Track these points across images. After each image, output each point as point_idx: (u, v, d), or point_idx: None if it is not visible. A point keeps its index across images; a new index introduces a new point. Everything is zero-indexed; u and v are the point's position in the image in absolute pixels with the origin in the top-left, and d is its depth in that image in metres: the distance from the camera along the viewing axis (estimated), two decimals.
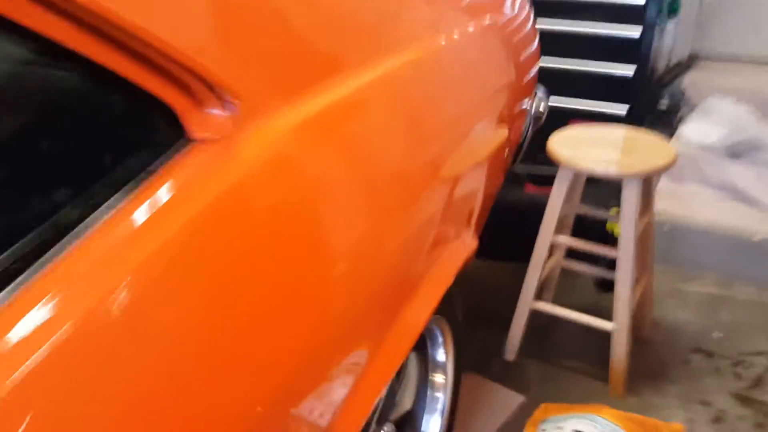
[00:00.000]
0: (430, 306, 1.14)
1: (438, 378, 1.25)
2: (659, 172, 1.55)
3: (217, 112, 0.65)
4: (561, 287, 2.14)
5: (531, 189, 2.30)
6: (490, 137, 1.49)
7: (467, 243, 1.33)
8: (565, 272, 2.01)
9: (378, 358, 1.00)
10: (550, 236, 1.70)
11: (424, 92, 1.13)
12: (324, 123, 0.81)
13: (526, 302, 1.78)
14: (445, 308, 1.28)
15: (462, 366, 1.36)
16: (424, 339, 1.27)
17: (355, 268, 0.87)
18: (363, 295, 0.90)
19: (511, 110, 1.65)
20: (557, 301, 2.04)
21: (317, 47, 0.83)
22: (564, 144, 1.67)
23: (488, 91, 1.49)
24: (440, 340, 1.25)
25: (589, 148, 1.65)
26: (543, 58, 2.54)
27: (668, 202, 2.34)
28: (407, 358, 1.22)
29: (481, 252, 2.35)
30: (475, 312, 2.05)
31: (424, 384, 1.25)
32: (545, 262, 1.76)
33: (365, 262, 0.89)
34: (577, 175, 1.65)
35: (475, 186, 1.39)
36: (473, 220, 1.44)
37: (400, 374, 1.20)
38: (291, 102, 0.75)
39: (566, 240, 1.73)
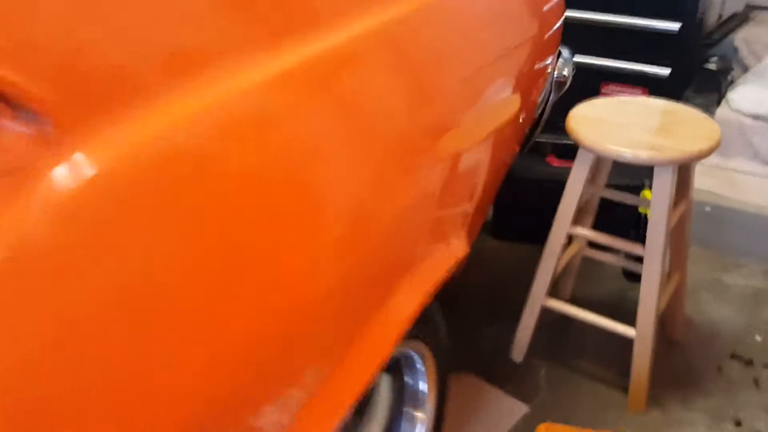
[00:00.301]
0: (402, 321, 0.93)
1: (418, 414, 1.05)
2: (698, 159, 1.30)
3: (11, 130, 0.44)
4: (584, 274, 1.92)
5: (554, 162, 2.06)
6: (500, 103, 1.25)
7: (456, 247, 1.11)
8: (589, 258, 1.78)
9: (334, 382, 0.81)
10: (567, 226, 1.47)
11: (405, 61, 0.91)
12: (238, 116, 0.59)
13: (537, 298, 1.56)
14: (427, 330, 1.08)
15: (445, 400, 1.15)
16: (400, 367, 1.06)
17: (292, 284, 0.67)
18: (305, 313, 0.71)
19: (528, 71, 1.40)
20: (579, 290, 1.83)
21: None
22: (586, 120, 1.42)
23: (501, 47, 1.25)
24: (419, 368, 1.05)
25: (615, 125, 1.40)
26: (573, 10, 2.26)
27: (711, 178, 2.07)
28: (373, 386, 1.03)
29: (498, 232, 2.14)
30: (485, 300, 1.84)
31: (397, 420, 1.05)
32: (562, 253, 1.53)
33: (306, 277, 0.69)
34: (600, 157, 1.40)
35: (474, 162, 1.17)
36: (470, 208, 1.21)
37: (364, 407, 1.01)
38: (182, 91, 0.54)
39: (585, 232, 1.49)
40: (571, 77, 1.67)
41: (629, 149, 1.30)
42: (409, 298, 0.96)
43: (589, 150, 1.36)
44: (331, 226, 0.72)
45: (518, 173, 2.03)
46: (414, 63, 0.95)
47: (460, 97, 1.06)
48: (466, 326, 1.75)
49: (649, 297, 1.39)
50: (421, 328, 1.08)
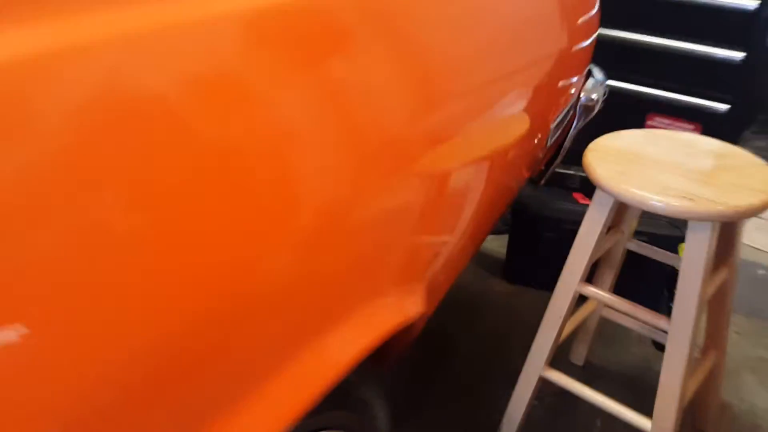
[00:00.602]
0: (305, 392, 0.67)
1: None
2: (746, 216, 1.00)
3: None
4: (604, 336, 1.62)
5: (582, 200, 1.77)
6: (507, 117, 1.00)
7: (408, 302, 0.84)
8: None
9: None
10: (575, 284, 1.19)
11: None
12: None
13: (535, 368, 1.27)
14: (356, 419, 0.82)
15: None
16: None
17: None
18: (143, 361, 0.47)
19: (547, 87, 1.14)
20: (595, 356, 1.54)
21: None
22: (609, 154, 1.14)
23: (518, 51, 1.00)
24: None
25: (645, 164, 1.11)
26: (619, 30, 1.97)
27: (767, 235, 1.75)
28: None
29: (510, 274, 1.86)
30: (484, 355, 1.57)
31: None
32: (569, 314, 1.25)
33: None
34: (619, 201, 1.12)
35: (461, 186, 0.91)
36: (442, 249, 0.95)
37: None
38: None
39: (598, 293, 1.20)
40: (601, 102, 1.39)
41: (657, 196, 1.01)
42: (324, 359, 0.69)
43: (608, 192, 1.07)
44: (238, 220, 0.51)
45: (537, 209, 1.75)
46: (405, 42, 0.72)
47: (457, 96, 0.82)
48: (456, 386, 1.48)
49: (670, 386, 1.10)
50: (346, 415, 0.82)
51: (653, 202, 1.02)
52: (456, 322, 1.69)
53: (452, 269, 1.01)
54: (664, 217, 1.49)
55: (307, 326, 0.65)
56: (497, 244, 1.99)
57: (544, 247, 1.78)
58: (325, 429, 0.81)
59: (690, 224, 1.03)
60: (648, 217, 1.62)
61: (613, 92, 1.88)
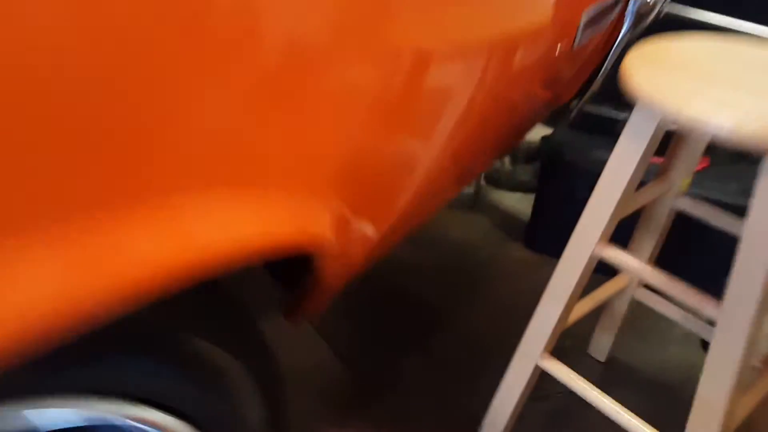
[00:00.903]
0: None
1: None
2: None
3: None
4: (638, 325, 1.27)
5: None
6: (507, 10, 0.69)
7: (318, 218, 0.54)
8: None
9: None
10: (593, 244, 0.85)
11: None
12: None
13: (529, 356, 0.94)
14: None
15: None
16: None
17: None
18: None
19: None
20: (623, 350, 1.21)
21: None
22: (657, 61, 0.79)
23: None
24: None
25: (712, 76, 0.76)
26: None
27: None
28: None
29: (533, 239, 1.52)
30: (487, 336, 1.24)
31: None
32: (581, 287, 0.91)
33: None
34: (666, 126, 0.77)
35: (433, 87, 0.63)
36: (395, 172, 0.65)
37: None
38: None
39: (621, 261, 0.85)
40: (661, 7, 1.02)
41: (721, 114, 0.66)
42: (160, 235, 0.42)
43: (648, 106, 0.73)
44: None
45: (572, 159, 1.40)
46: None
47: None
48: (442, 370, 1.17)
49: (711, 401, 0.75)
50: (183, 387, 0.52)
51: (715, 121, 0.67)
52: (458, 290, 1.37)
53: (409, 202, 0.69)
54: (740, 152, 1.13)
55: (165, 176, 0.42)
56: (524, 205, 1.64)
57: (576, 209, 1.42)
58: (153, 403, 0.52)
59: (766, 160, 0.68)
60: (715, 178, 1.26)
61: (686, 23, 1.49)
